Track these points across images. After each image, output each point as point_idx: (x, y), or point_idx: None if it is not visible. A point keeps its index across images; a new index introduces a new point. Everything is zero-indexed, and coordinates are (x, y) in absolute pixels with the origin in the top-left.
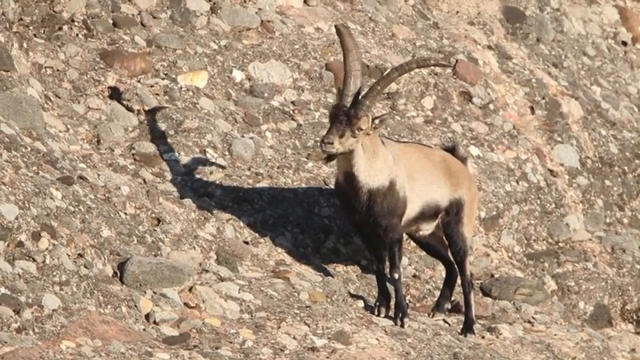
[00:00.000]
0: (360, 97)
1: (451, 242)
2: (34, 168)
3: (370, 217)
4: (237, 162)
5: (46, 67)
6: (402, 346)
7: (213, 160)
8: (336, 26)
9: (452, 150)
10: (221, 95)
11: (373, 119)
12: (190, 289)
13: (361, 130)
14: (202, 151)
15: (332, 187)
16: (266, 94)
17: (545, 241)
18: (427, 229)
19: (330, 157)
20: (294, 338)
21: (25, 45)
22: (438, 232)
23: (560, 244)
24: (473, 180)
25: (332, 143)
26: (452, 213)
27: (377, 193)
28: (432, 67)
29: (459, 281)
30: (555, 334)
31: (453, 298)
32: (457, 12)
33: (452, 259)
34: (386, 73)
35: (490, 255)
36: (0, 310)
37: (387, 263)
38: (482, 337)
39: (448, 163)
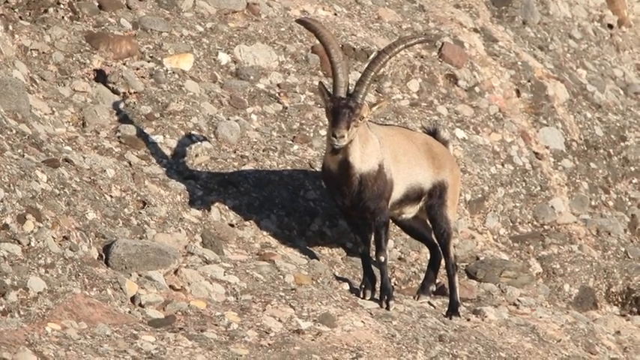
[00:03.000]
0: (356, 85)
1: (435, 225)
2: (20, 150)
3: (360, 201)
4: (223, 145)
5: (31, 50)
6: (388, 328)
7: (199, 143)
8: (302, 22)
9: (434, 133)
10: (207, 78)
11: (370, 106)
12: (176, 272)
13: (362, 118)
14: (188, 133)
15: (318, 169)
16: (252, 77)
17: (530, 224)
18: (410, 212)
19: (337, 150)
20: (280, 321)
21: (10, 27)
22: (422, 215)
23: (546, 227)
24: (455, 163)
25: (343, 137)
26: (435, 196)
27: (368, 177)
28: (418, 50)
29: (443, 264)
30: (540, 317)
31: (437, 281)
32: None
33: (436, 241)
34: (375, 56)
35: (475, 237)
36: None
37: (373, 246)
38: (468, 320)
39: (430, 146)
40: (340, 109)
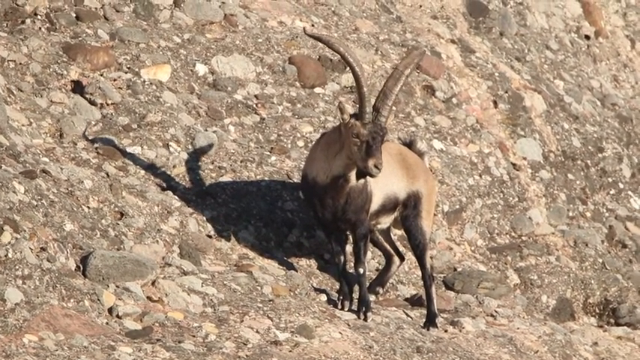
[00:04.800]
0: (381, 109)
1: (410, 236)
2: None
3: (343, 213)
4: (201, 156)
5: (8, 61)
6: (365, 339)
7: (176, 154)
8: (326, 42)
9: (410, 144)
10: (184, 89)
11: None
12: (153, 283)
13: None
14: (165, 145)
15: (296, 180)
16: (229, 88)
17: (508, 235)
18: (386, 222)
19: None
20: (257, 332)
21: None
22: (397, 226)
23: (523, 238)
24: (430, 174)
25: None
26: (410, 206)
27: (356, 190)
28: (396, 61)
29: (419, 274)
30: (518, 328)
31: (415, 292)
32: (420, 6)
33: (393, 251)
34: (393, 78)
35: (453, 249)
36: None
37: (350, 257)
38: (445, 331)
39: (405, 157)
40: (375, 138)
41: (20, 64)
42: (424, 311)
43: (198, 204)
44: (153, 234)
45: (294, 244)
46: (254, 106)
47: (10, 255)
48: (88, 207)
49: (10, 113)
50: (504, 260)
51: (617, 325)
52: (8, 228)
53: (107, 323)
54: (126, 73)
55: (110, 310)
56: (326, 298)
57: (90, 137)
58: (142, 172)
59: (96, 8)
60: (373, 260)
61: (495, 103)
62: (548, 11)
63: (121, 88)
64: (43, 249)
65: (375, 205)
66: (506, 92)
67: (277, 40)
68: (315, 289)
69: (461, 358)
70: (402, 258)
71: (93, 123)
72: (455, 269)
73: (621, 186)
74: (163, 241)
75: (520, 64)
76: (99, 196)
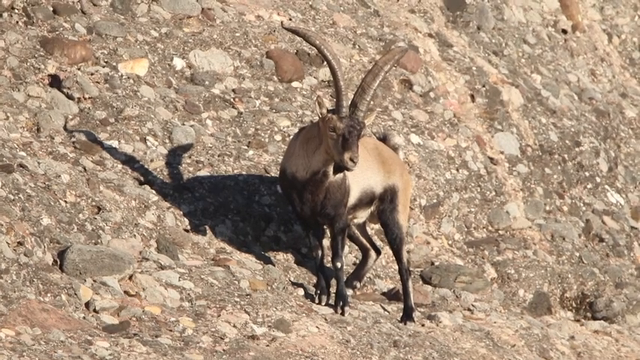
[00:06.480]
0: (358, 104)
1: (387, 230)
2: None
3: (322, 208)
4: (178, 150)
5: None
6: (342, 334)
7: (154, 148)
8: (302, 34)
9: (383, 139)
10: (162, 83)
11: None
12: (130, 278)
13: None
14: (143, 139)
15: (273, 175)
16: (207, 82)
17: (485, 229)
18: (362, 216)
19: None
20: (234, 326)
21: None
22: (373, 221)
23: (500, 232)
24: (405, 168)
25: (358, 160)
26: (386, 200)
27: (335, 184)
28: (373, 55)
29: (396, 268)
30: (495, 322)
31: (392, 286)
32: (398, 0)
33: (369, 245)
34: (372, 73)
35: (430, 243)
36: None
37: (327, 251)
38: (422, 325)
39: (380, 151)
40: (352, 132)
41: None
42: (401, 305)
43: (175, 198)
44: (130, 228)
45: (271, 239)
46: (231, 100)
47: None
48: (66, 201)
49: None
50: (481, 254)
51: (594, 319)
52: None
53: (84, 318)
54: (103, 67)
55: (87, 305)
56: (303, 293)
57: (67, 131)
58: (120, 166)
59: (73, 2)
60: (350, 254)
61: (473, 97)
62: (526, 5)
63: (98, 82)
64: (20, 243)
65: (352, 199)
66: (484, 86)
67: (255, 34)
68: (293, 284)
69: (438, 352)
70: (378, 252)
71: (70, 117)
72: (432, 263)
73: (598, 180)
74: (141, 235)
75: (497, 59)
76: (76, 191)
